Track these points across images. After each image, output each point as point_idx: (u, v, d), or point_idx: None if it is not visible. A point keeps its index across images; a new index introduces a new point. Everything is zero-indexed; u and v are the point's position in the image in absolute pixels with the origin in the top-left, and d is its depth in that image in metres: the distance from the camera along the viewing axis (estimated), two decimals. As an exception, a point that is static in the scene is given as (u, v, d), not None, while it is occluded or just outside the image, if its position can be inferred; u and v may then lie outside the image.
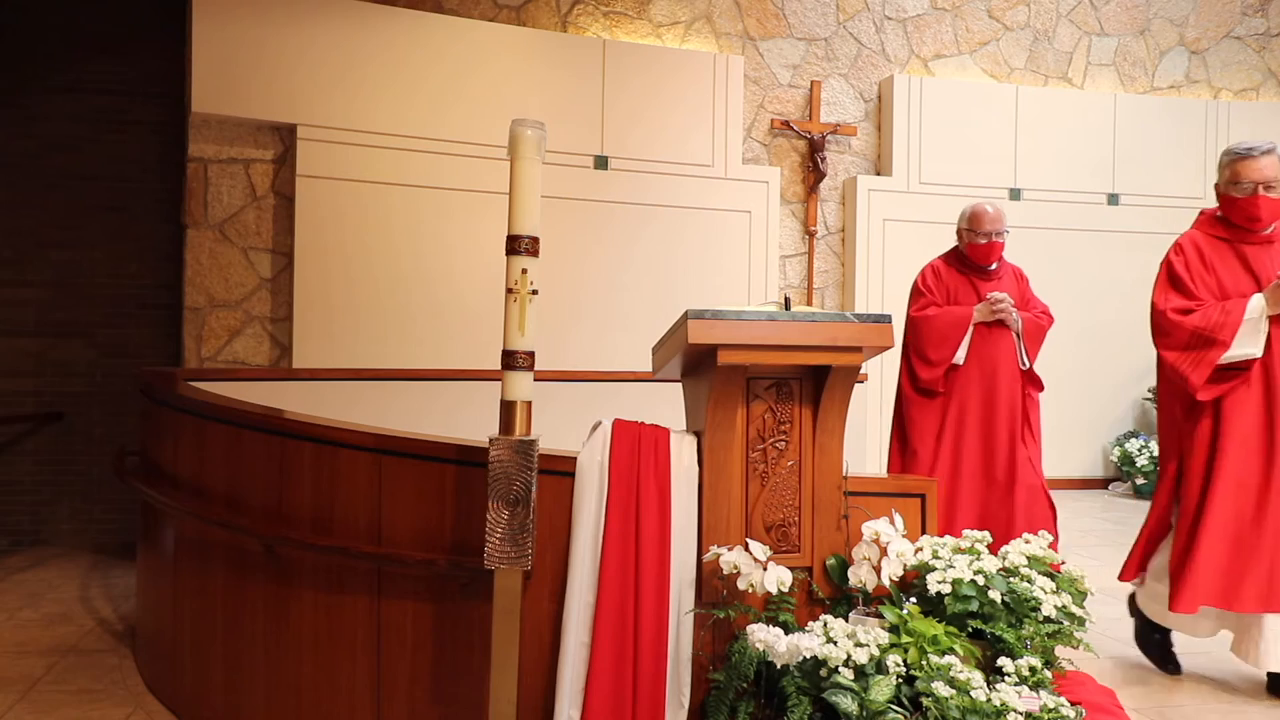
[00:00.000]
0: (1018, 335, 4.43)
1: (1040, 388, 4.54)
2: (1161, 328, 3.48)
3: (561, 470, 2.58)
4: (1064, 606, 2.53)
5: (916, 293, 4.58)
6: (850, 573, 2.57)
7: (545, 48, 7.08)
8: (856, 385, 2.83)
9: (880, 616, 2.43)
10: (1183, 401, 3.48)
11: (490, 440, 2.43)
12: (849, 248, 7.85)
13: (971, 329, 4.38)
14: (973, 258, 4.50)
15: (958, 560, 2.50)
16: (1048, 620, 2.50)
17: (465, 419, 4.27)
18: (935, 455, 4.41)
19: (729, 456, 2.62)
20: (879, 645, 2.29)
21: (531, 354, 2.43)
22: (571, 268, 6.93)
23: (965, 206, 4.56)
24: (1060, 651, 2.56)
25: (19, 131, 6.63)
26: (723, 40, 7.67)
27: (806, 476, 2.67)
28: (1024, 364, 4.43)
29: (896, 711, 2.18)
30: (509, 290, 2.41)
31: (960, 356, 4.38)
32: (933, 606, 2.50)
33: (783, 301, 2.63)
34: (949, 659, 2.26)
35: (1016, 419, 4.41)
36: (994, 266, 4.52)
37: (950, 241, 4.64)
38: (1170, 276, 3.53)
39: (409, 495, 2.75)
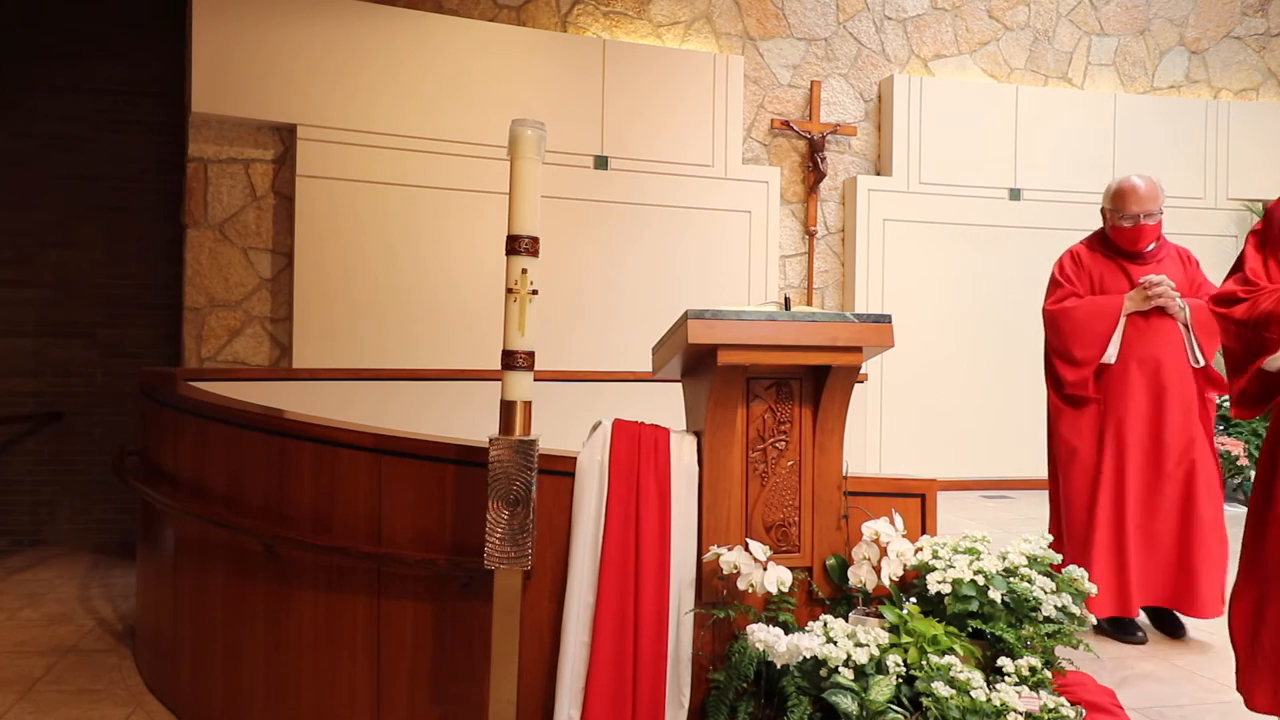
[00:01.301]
0: (1185, 326, 3.71)
1: (1223, 388, 3.64)
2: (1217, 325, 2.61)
3: (561, 470, 2.58)
4: (1064, 606, 2.53)
5: (1053, 284, 3.91)
6: (850, 573, 2.57)
7: (545, 47, 7.07)
8: (856, 385, 2.83)
9: (880, 616, 2.44)
10: None
11: (490, 440, 2.43)
12: (849, 248, 7.85)
13: (1124, 320, 3.71)
14: (1117, 242, 3.84)
15: (958, 560, 2.51)
16: (1048, 620, 2.50)
17: (465, 419, 4.27)
18: (1095, 475, 3.74)
19: (729, 456, 2.62)
20: (879, 645, 2.30)
21: (531, 354, 2.43)
22: (571, 268, 6.93)
23: (1111, 182, 3.88)
24: (1060, 651, 2.56)
25: (19, 131, 6.63)
26: (723, 40, 7.67)
27: (806, 476, 2.67)
28: (1196, 361, 3.73)
29: (896, 711, 2.18)
30: (509, 290, 2.41)
31: (1111, 354, 3.71)
32: (933, 606, 2.50)
33: (783, 301, 2.63)
34: (949, 659, 2.26)
35: (1192, 427, 3.71)
36: (1152, 247, 3.83)
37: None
38: (1237, 260, 2.57)
39: (409, 495, 2.75)
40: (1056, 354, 3.85)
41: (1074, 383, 3.77)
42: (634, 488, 2.53)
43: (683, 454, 2.61)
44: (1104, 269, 3.84)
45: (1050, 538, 2.72)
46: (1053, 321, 3.86)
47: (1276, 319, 2.22)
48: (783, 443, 2.67)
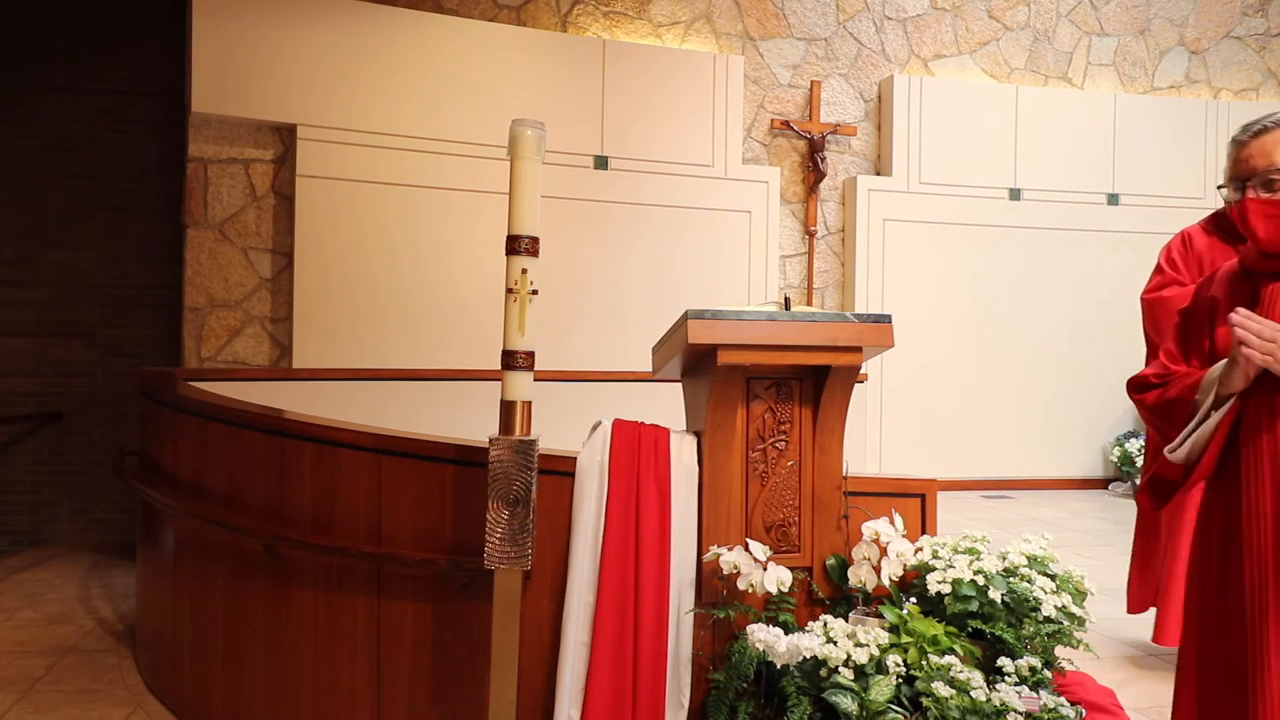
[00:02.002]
0: None
1: None
2: None
3: (561, 470, 2.58)
4: (1064, 606, 2.53)
5: (1156, 269, 3.43)
6: (850, 573, 2.57)
7: (545, 47, 7.07)
8: (856, 385, 2.83)
9: (880, 616, 2.44)
10: None
11: (490, 440, 2.43)
12: (849, 248, 7.85)
13: None
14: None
15: (958, 560, 2.51)
16: (1048, 620, 2.50)
17: (465, 419, 4.27)
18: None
19: (729, 456, 2.62)
20: (879, 645, 2.30)
21: (531, 354, 2.43)
22: (571, 268, 6.93)
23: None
24: (1060, 651, 2.56)
25: (19, 131, 6.63)
26: (723, 40, 7.66)
27: (806, 476, 2.67)
28: None
29: (896, 711, 2.18)
30: (509, 290, 2.41)
31: None
32: (933, 606, 2.50)
33: (783, 301, 2.63)
34: (949, 659, 2.26)
35: None
36: None
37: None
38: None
39: (409, 495, 2.75)
40: (1151, 350, 3.44)
41: None
42: (634, 488, 2.53)
43: (683, 454, 2.61)
44: (1218, 254, 3.38)
45: (1049, 538, 2.72)
46: (1149, 312, 3.39)
47: (1182, 405, 1.99)
48: (783, 443, 2.67)
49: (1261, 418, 1.87)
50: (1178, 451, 1.92)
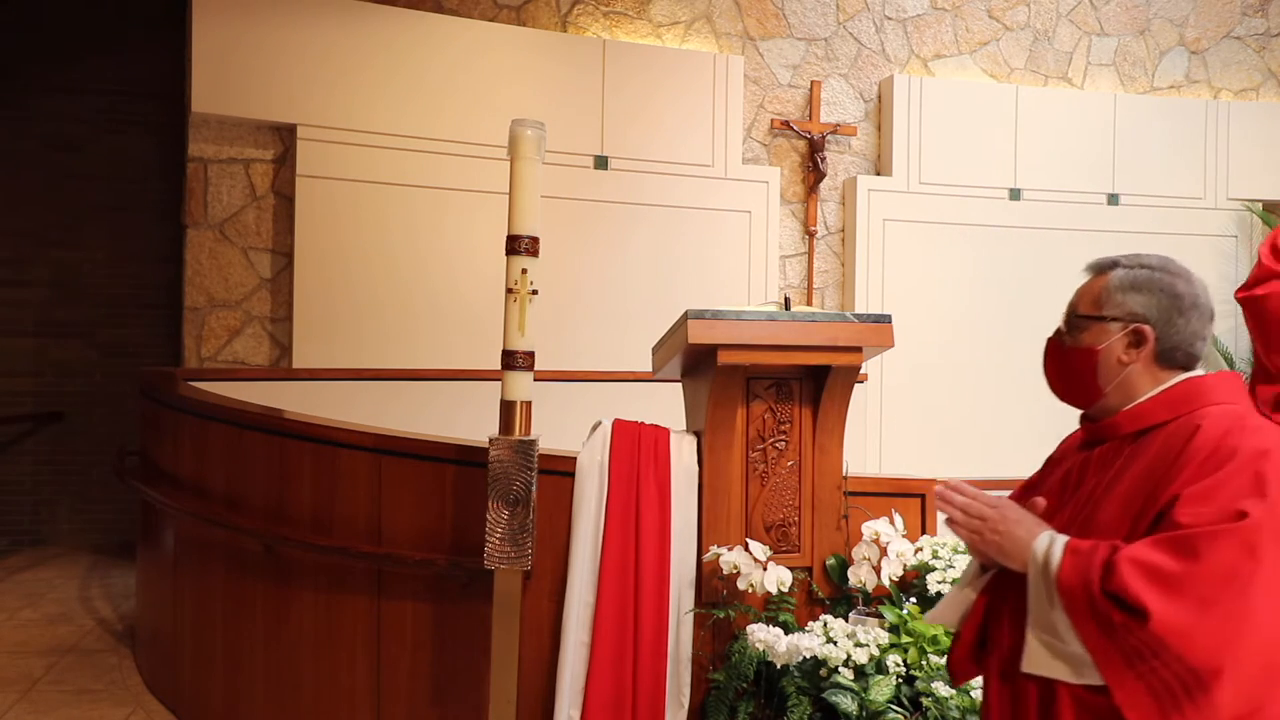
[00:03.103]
0: None
1: None
2: None
3: (561, 470, 2.58)
4: (1064, 606, 2.53)
5: (1255, 266, 3.01)
6: (850, 573, 2.57)
7: (545, 47, 7.07)
8: (856, 385, 2.83)
9: (880, 616, 2.44)
10: None
11: (490, 440, 2.43)
12: (849, 248, 7.85)
13: None
14: None
15: (958, 560, 2.50)
16: (1048, 620, 2.50)
17: (465, 419, 4.27)
18: None
19: (729, 456, 2.62)
20: (879, 645, 2.30)
21: (531, 354, 2.44)
22: (571, 268, 6.93)
23: None
24: (1060, 651, 2.55)
25: (19, 131, 6.63)
26: (723, 40, 7.66)
27: (806, 476, 2.67)
28: None
29: (896, 711, 2.18)
30: (509, 290, 2.41)
31: None
32: (932, 606, 2.49)
33: (783, 301, 2.63)
34: (949, 659, 2.26)
35: None
36: None
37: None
38: None
39: (409, 495, 2.75)
40: (1258, 354, 2.98)
41: (1268, 396, 2.80)
42: (634, 488, 2.53)
43: (683, 454, 2.61)
44: None
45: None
46: (1248, 313, 2.96)
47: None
48: (783, 443, 2.66)
49: (1002, 618, 1.53)
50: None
